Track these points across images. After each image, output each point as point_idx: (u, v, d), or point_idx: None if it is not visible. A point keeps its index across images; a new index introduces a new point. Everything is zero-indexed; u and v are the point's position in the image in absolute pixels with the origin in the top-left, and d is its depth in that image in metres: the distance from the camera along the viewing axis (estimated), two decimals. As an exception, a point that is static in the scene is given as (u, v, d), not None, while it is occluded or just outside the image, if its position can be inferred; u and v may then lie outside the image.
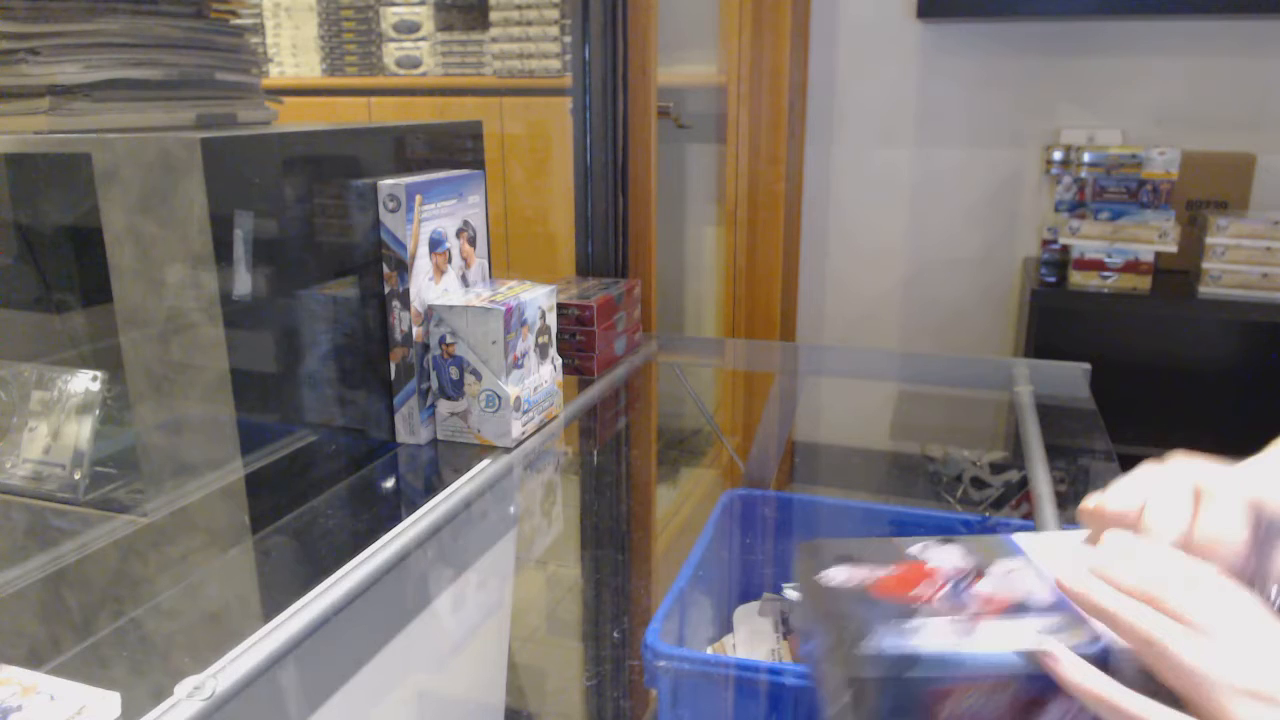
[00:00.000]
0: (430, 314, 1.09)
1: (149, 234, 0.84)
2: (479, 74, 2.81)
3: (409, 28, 2.86)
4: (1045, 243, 2.33)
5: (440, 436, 1.12)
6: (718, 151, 2.71)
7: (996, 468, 1.77)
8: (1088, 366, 1.42)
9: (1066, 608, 0.53)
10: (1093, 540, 0.58)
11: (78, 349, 1.05)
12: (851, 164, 2.64)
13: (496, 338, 1.07)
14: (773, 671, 0.80)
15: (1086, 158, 2.18)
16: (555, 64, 2.68)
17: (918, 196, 2.60)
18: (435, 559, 0.94)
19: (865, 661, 0.51)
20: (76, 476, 0.93)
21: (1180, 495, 0.55)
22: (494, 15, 2.72)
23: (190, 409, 0.88)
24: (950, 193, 2.57)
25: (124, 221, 0.85)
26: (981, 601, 0.55)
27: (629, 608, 1.10)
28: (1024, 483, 1.07)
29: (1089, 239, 2.17)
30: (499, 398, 1.08)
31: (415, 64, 2.88)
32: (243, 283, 0.87)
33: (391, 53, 2.89)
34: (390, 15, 2.87)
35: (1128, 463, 0.64)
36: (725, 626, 1.08)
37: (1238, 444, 0.69)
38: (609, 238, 1.63)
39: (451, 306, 1.08)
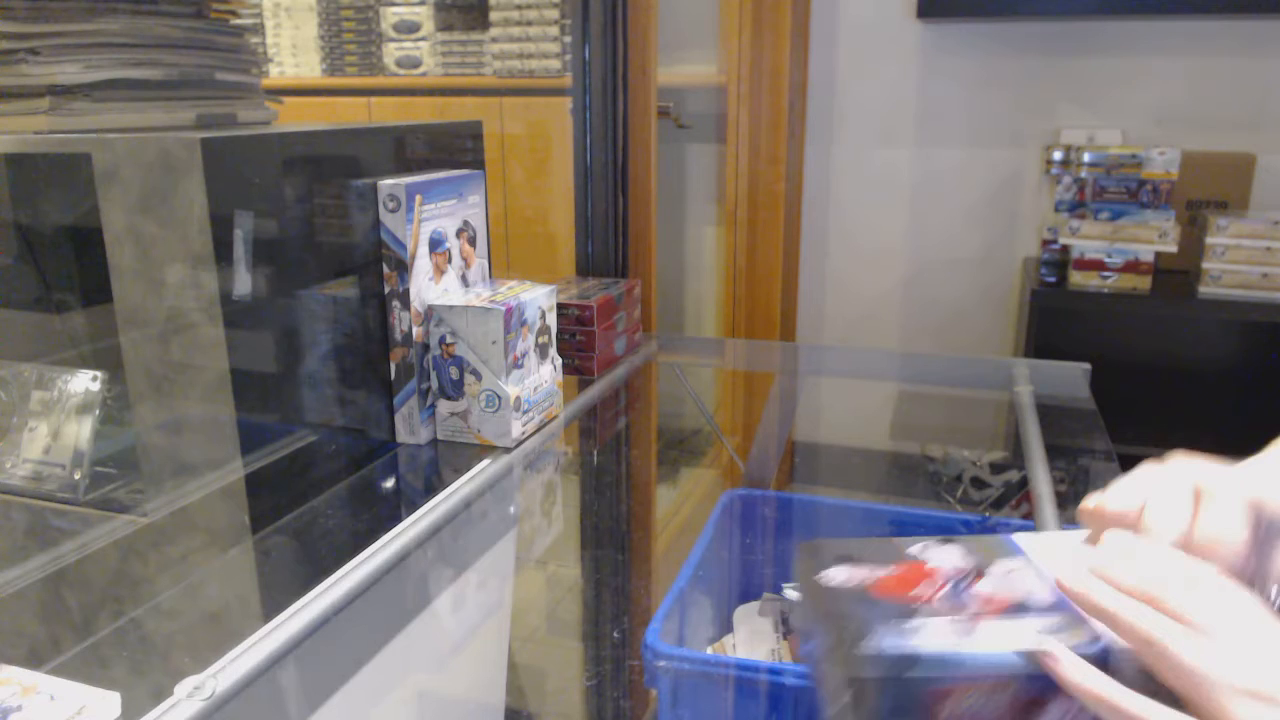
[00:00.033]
0: (430, 314, 1.09)
1: (149, 234, 0.84)
2: (479, 74, 2.81)
3: (409, 28, 2.86)
4: (1045, 243, 2.33)
5: (440, 436, 1.12)
6: (718, 151, 2.71)
7: (996, 468, 1.77)
8: (1088, 366, 1.42)
9: (1066, 608, 0.53)
10: (1093, 540, 0.58)
11: (78, 349, 1.05)
12: (851, 164, 2.64)
13: (496, 338, 1.07)
14: (773, 671, 0.80)
15: (1086, 158, 2.18)
16: (555, 64, 2.68)
17: (918, 196, 2.60)
18: (435, 559, 0.94)
19: (865, 661, 0.51)
20: (76, 476, 0.93)
21: (1180, 495, 0.55)
22: (494, 15, 2.72)
23: (190, 409, 0.88)
24: (950, 193, 2.57)
25: (124, 221, 0.85)
26: (981, 601, 0.55)
27: (629, 608, 1.10)
28: (1024, 483, 1.07)
29: (1089, 239, 2.17)
30: (499, 398, 1.08)
31: (415, 64, 2.88)
32: (243, 283, 0.87)
33: (391, 53, 2.89)
34: (390, 15, 2.87)
35: (1128, 463, 0.64)
36: (725, 626, 1.08)
37: (1238, 444, 0.69)
38: (609, 238, 1.63)
39: (451, 306, 1.08)
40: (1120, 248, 2.16)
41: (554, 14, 2.66)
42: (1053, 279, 2.28)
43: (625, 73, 1.57)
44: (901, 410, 2.32)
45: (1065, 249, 2.26)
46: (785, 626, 1.05)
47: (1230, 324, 2.38)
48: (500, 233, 2.71)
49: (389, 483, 1.08)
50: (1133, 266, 2.16)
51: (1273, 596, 0.54)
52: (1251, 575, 0.54)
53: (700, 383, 1.81)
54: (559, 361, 1.22)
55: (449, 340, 1.08)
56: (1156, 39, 2.33)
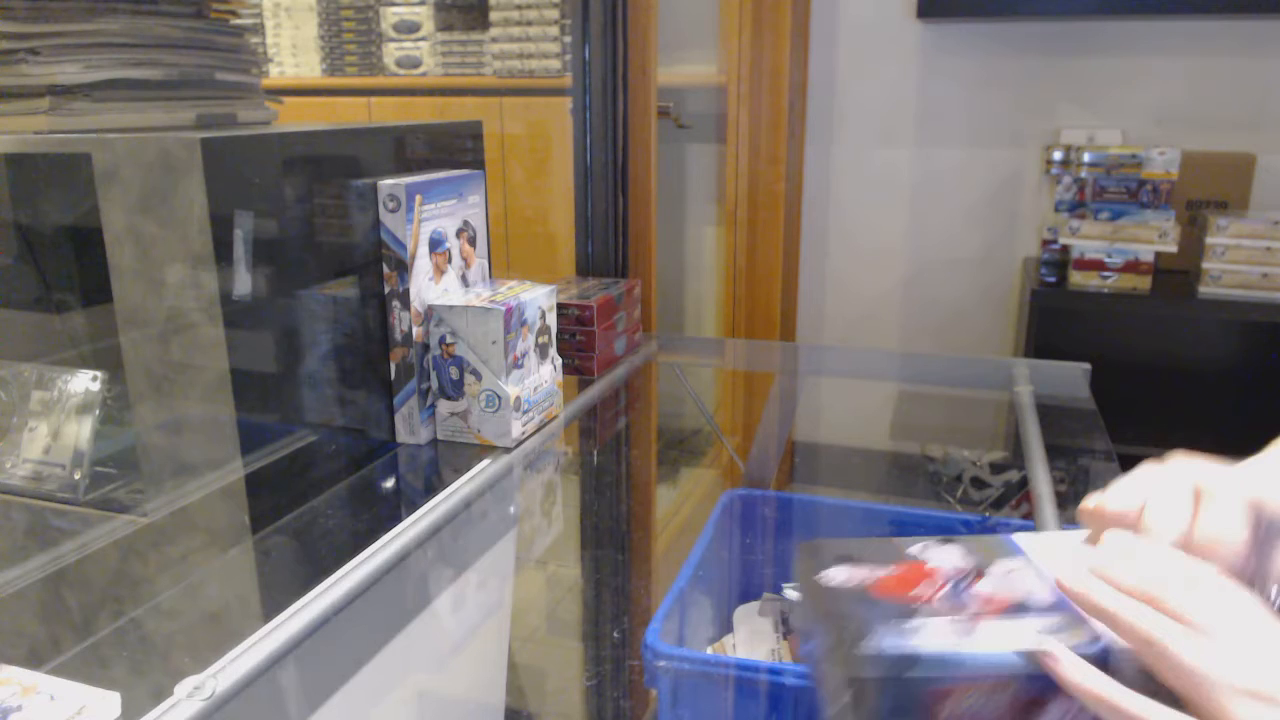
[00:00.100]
0: (430, 314, 1.09)
1: (149, 234, 0.84)
2: (479, 74, 2.81)
3: (409, 28, 2.86)
4: (1045, 243, 2.33)
5: (440, 436, 1.12)
6: (718, 151, 2.71)
7: (996, 468, 1.77)
8: (1088, 366, 1.42)
9: (1066, 608, 0.53)
10: (1093, 540, 0.58)
11: (78, 349, 1.05)
12: (851, 164, 2.64)
13: (496, 338, 1.07)
14: (773, 671, 0.80)
15: (1086, 158, 2.18)
16: (555, 64, 2.68)
17: (918, 196, 2.60)
18: (435, 559, 0.94)
19: (865, 661, 0.51)
20: (76, 476, 0.93)
21: (1180, 495, 0.55)
22: (494, 15, 2.72)
23: (190, 409, 0.88)
24: (950, 193, 2.57)
25: (124, 221, 0.85)
26: (981, 601, 0.55)
27: (629, 608, 1.10)
28: (1024, 483, 1.07)
29: (1089, 239, 2.17)
30: (499, 398, 1.08)
31: (415, 64, 2.88)
32: (243, 283, 0.87)
33: (391, 53, 2.89)
34: (390, 15, 2.87)
35: (1128, 463, 0.64)
36: (725, 626, 1.08)
37: (1238, 444, 0.69)
38: (609, 238, 1.63)
39: (451, 306, 1.08)
40: (1120, 248, 2.16)
41: (554, 14, 2.66)
42: (1053, 279, 2.28)
43: (625, 73, 1.57)
44: (901, 410, 2.32)
45: (1065, 249, 2.26)
46: (785, 626, 1.05)
47: (1230, 324, 2.38)
48: (500, 233, 2.71)
49: (389, 483, 1.08)
50: (1133, 266, 2.16)
51: (1273, 596, 0.54)
52: (1251, 575, 0.54)
53: (700, 383, 1.81)
54: (559, 361, 1.22)
55: (449, 340, 1.08)
56: (1156, 39, 2.33)
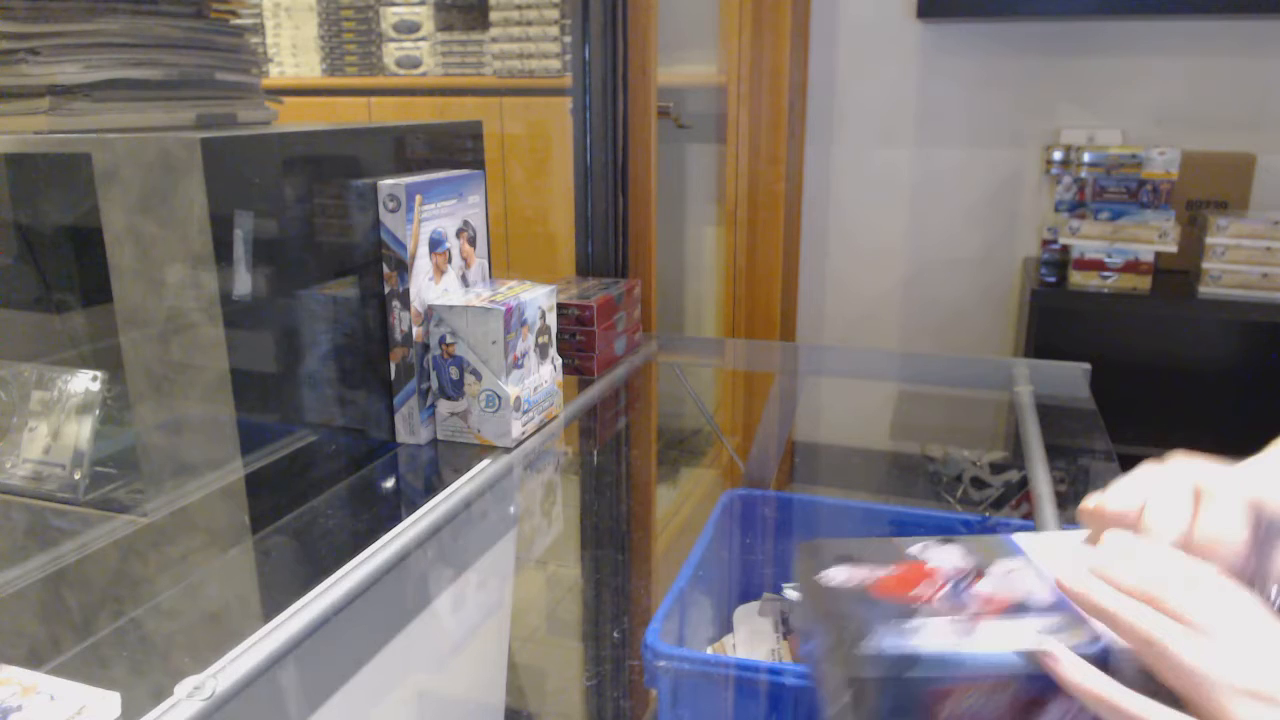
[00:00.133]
0: (430, 314, 1.09)
1: (149, 234, 0.84)
2: (479, 74, 2.81)
3: (409, 28, 2.86)
4: (1045, 243, 2.33)
5: (440, 436, 1.12)
6: (718, 151, 2.71)
7: (996, 468, 1.77)
8: (1088, 366, 1.42)
9: (1066, 608, 0.53)
10: (1093, 540, 0.58)
11: (78, 349, 1.05)
12: (851, 164, 2.64)
13: (496, 338, 1.07)
14: (773, 671, 0.80)
15: (1086, 158, 2.18)
16: (555, 64, 2.68)
17: (918, 196, 2.60)
18: (435, 559, 0.94)
19: (865, 661, 0.51)
20: (76, 476, 0.93)
21: (1180, 495, 0.55)
22: (494, 15, 2.72)
23: (190, 409, 0.88)
24: (950, 193, 2.57)
25: (124, 221, 0.85)
26: (981, 601, 0.55)
27: (629, 608, 1.10)
28: (1024, 483, 1.07)
29: (1089, 239, 2.17)
30: (499, 398, 1.08)
31: (415, 64, 2.88)
32: (243, 283, 0.87)
33: (391, 53, 2.89)
34: (390, 15, 2.87)
35: (1128, 463, 0.64)
36: (725, 626, 1.08)
37: (1238, 444, 0.69)
38: (609, 238, 1.63)
39: (451, 306, 1.08)
40: (1120, 248, 2.16)
41: (554, 14, 2.66)
42: (1053, 279, 2.28)
43: (625, 73, 1.57)
44: (901, 410, 2.32)
45: (1065, 249, 2.26)
46: (785, 626, 1.05)
47: (1230, 324, 2.38)
48: (500, 233, 2.71)
49: (389, 483, 1.08)
50: (1133, 266, 2.16)
51: (1273, 596, 0.54)
52: (1251, 575, 0.54)
53: (700, 383, 1.81)
54: (559, 361, 1.22)
55: (449, 340, 1.08)
56: (1156, 39, 2.33)
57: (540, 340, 1.15)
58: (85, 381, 0.95)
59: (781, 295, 2.54)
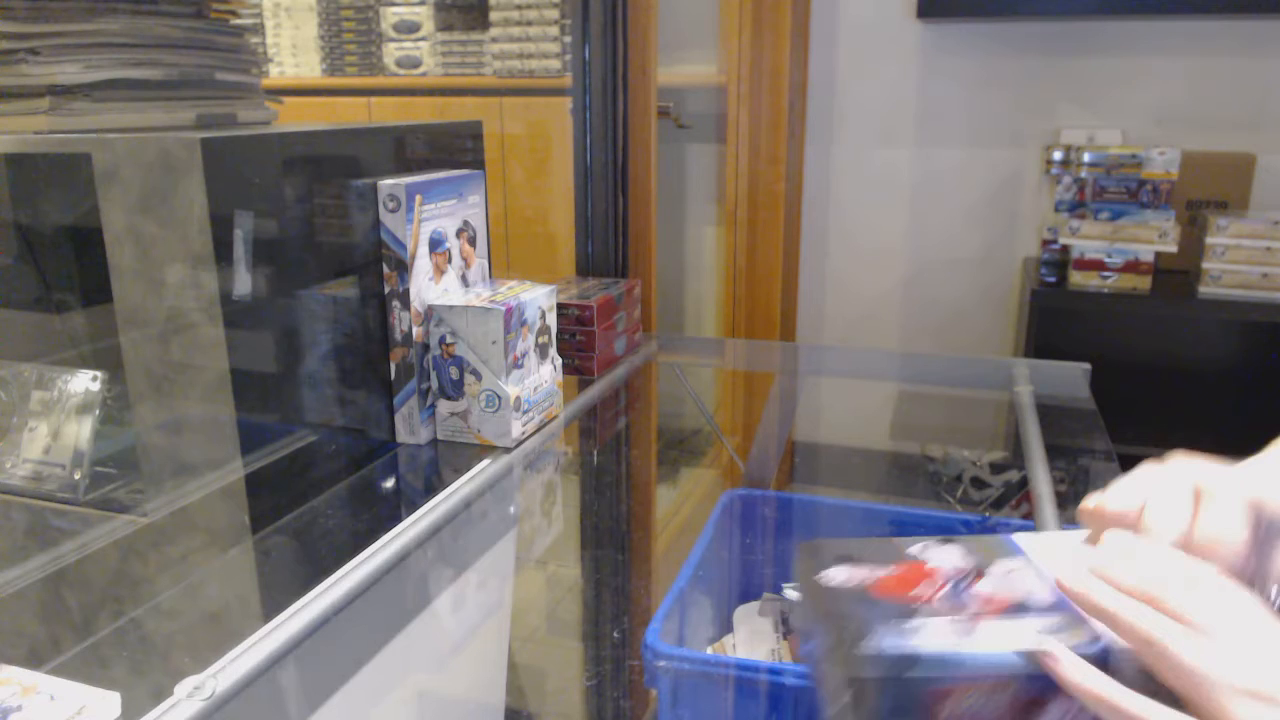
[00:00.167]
0: (430, 314, 1.09)
1: (149, 234, 0.84)
2: (479, 74, 2.81)
3: (409, 28, 2.86)
4: (1045, 243, 2.33)
5: (440, 436, 1.12)
6: (718, 151, 2.71)
7: (996, 468, 1.77)
8: (1088, 366, 1.42)
9: (1066, 608, 0.53)
10: (1093, 540, 0.58)
11: (78, 349, 1.05)
12: (851, 164, 2.64)
13: (496, 338, 1.07)
14: (773, 671, 0.80)
15: (1086, 158, 2.18)
16: (555, 64, 2.68)
17: (918, 196, 2.60)
18: (435, 559, 0.94)
19: (865, 661, 0.51)
20: (76, 476, 0.93)
21: (1180, 495, 0.55)
22: (494, 15, 2.72)
23: (190, 409, 0.88)
24: (950, 193, 2.57)
25: (124, 221, 0.85)
26: (981, 601, 0.55)
27: (629, 608, 1.10)
28: (1024, 483, 1.07)
29: (1089, 239, 2.17)
30: (499, 398, 1.08)
31: (415, 64, 2.88)
32: (243, 283, 0.87)
33: (391, 53, 2.89)
34: (390, 15, 2.87)
35: (1128, 463, 0.64)
36: (725, 626, 1.08)
37: (1238, 444, 0.69)
38: (609, 238, 1.63)
39: (451, 306, 1.08)
40: (1120, 248, 2.16)
41: (554, 14, 2.66)
42: (1053, 279, 2.28)
43: (625, 73, 1.57)
44: (901, 410, 2.32)
45: (1065, 249, 2.26)
46: (785, 626, 1.05)
47: (1230, 324, 2.38)
48: (500, 233, 2.71)
49: (389, 483, 1.08)
50: (1133, 266, 2.16)
51: (1273, 596, 0.54)
52: (1251, 575, 0.54)
53: (700, 383, 1.81)
54: (559, 361, 1.22)
55: (449, 340, 1.08)
56: (1156, 39, 2.33)
57: (540, 340, 1.15)
58: (85, 381, 0.95)
59: (781, 295, 2.54)
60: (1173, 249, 2.13)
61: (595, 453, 1.34)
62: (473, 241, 1.17)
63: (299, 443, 0.96)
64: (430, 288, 1.09)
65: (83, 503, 0.93)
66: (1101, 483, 0.59)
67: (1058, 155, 2.28)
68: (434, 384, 1.11)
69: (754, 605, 1.09)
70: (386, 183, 1.03)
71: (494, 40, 2.73)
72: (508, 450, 1.10)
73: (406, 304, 1.06)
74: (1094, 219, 2.17)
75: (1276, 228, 2.07)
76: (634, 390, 1.49)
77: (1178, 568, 0.51)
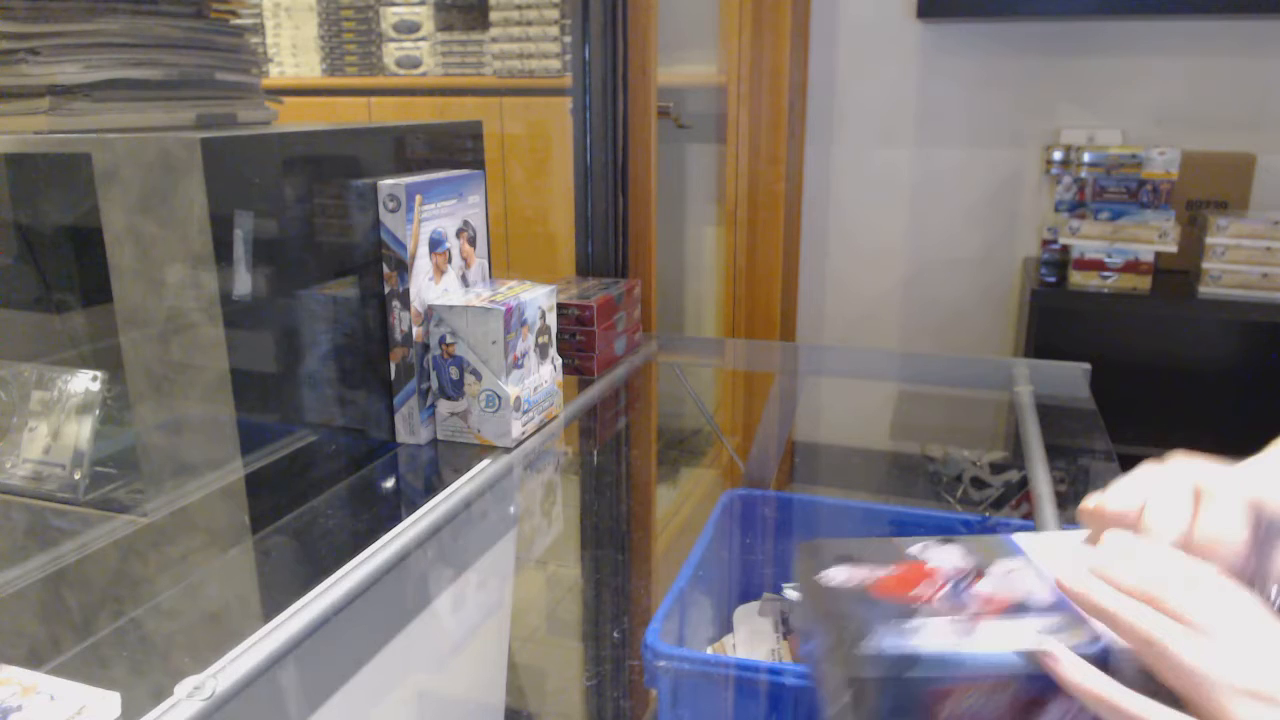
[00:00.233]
0: (430, 314, 1.09)
1: (149, 234, 0.84)
2: (479, 74, 2.81)
3: (409, 28, 2.86)
4: (1045, 243, 2.33)
5: (440, 436, 1.12)
6: (718, 151, 2.71)
7: (996, 468, 1.77)
8: (1088, 366, 1.42)
9: (1066, 608, 0.53)
10: (1093, 540, 0.58)
11: (78, 349, 1.05)
12: (851, 164, 2.64)
13: (496, 338, 1.07)
14: (773, 671, 0.80)
15: (1086, 158, 2.18)
16: (555, 64, 2.68)
17: (918, 196, 2.60)
18: (435, 559, 0.94)
19: (865, 661, 0.51)
20: (76, 476, 0.93)
21: (1180, 495, 0.55)
22: (494, 15, 2.72)
23: (190, 409, 0.88)
24: (950, 193, 2.57)
25: (124, 221, 0.85)
26: (981, 601, 0.55)
27: (629, 608, 1.10)
28: (1024, 483, 1.07)
29: (1089, 239, 2.17)
30: (499, 398, 1.08)
31: (415, 64, 2.88)
32: (243, 283, 0.87)
33: (391, 53, 2.89)
34: (390, 15, 2.87)
35: (1128, 463, 0.63)
36: (725, 626, 1.08)
37: (1238, 444, 0.69)
38: (609, 238, 1.63)
39: (451, 306, 1.08)
40: (1120, 248, 2.16)
41: (554, 14, 2.66)
42: (1053, 279, 2.28)
43: (625, 73, 1.57)
44: (901, 410, 2.32)
45: (1065, 249, 2.26)
46: (785, 626, 1.05)
47: (1230, 324, 2.38)
48: (500, 233, 2.71)
49: (389, 483, 1.08)
50: (1133, 266, 2.16)
51: (1273, 596, 0.54)
52: (1251, 575, 0.54)
53: (700, 383, 1.81)
54: (559, 361, 1.22)
55: (449, 340, 1.08)
56: (1156, 39, 2.33)
57: (540, 340, 1.15)
58: (85, 381, 0.95)
59: (781, 295, 2.54)
60: (1173, 249, 2.13)
61: (595, 453, 1.34)
62: (473, 241, 1.17)
63: (299, 443, 0.96)
64: (430, 288, 1.09)
65: (83, 503, 0.93)
66: (1101, 483, 0.59)
67: (1058, 155, 2.28)
68: (434, 384, 1.11)
69: (754, 605, 1.09)
70: (386, 183, 1.03)
71: (494, 40, 2.73)
72: (508, 450, 1.10)
73: (406, 304, 1.06)
74: (1094, 219, 2.17)
75: (1276, 228, 2.07)
76: (634, 390, 1.49)
77: (1178, 568, 0.51)
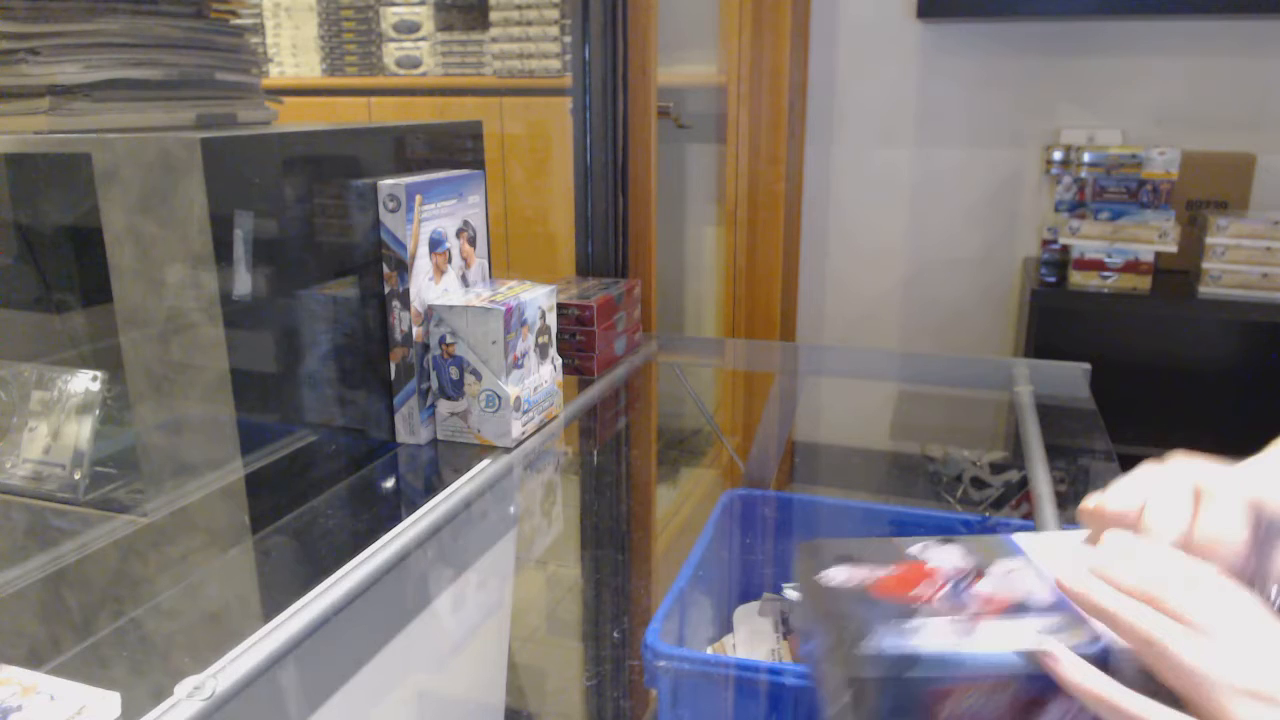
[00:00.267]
0: (430, 314, 1.09)
1: (149, 234, 0.84)
2: (479, 74, 2.81)
3: (409, 28, 2.86)
4: (1045, 243, 2.33)
5: (440, 436, 1.12)
6: (718, 151, 2.71)
7: (996, 468, 1.77)
8: (1088, 366, 1.42)
9: (1066, 608, 0.53)
10: (1093, 540, 0.58)
11: (78, 349, 1.05)
12: (851, 164, 2.64)
13: (496, 338, 1.07)
14: (773, 671, 0.80)
15: (1086, 158, 2.18)
16: (555, 64, 2.68)
17: (918, 196, 2.60)
18: (435, 559, 0.94)
19: (865, 661, 0.51)
20: (76, 476, 0.93)
21: (1180, 495, 0.55)
22: (494, 15, 2.72)
23: (190, 409, 0.88)
24: (950, 193, 2.57)
25: (124, 221, 0.85)
26: (981, 601, 0.55)
27: (629, 608, 1.10)
28: (1024, 483, 1.07)
29: (1089, 239, 2.17)
30: (499, 398, 1.08)
31: (415, 64, 2.88)
32: (243, 283, 0.87)
33: (391, 53, 2.89)
34: (390, 15, 2.87)
35: (1128, 463, 0.63)
36: (725, 626, 1.08)
37: (1238, 444, 0.69)
38: (609, 238, 1.63)
39: (451, 306, 1.08)
40: (1120, 248, 2.16)
41: (554, 14, 2.66)
42: (1053, 279, 2.28)
43: (625, 73, 1.57)
44: (901, 410, 2.32)
45: (1065, 249, 2.26)
46: (785, 626, 1.05)
47: (1230, 324, 2.38)
48: (500, 233, 2.71)
49: (389, 483, 1.08)
50: (1133, 266, 2.16)
51: (1273, 596, 0.54)
52: (1251, 575, 0.54)
53: (700, 383, 1.81)
54: (559, 361, 1.22)
55: (449, 340, 1.08)
56: (1156, 39, 2.33)
57: (540, 340, 1.15)
58: (85, 381, 0.95)
59: (781, 295, 2.54)
60: (1173, 249, 2.13)
61: (595, 453, 1.34)
62: (473, 241, 1.17)
63: (299, 443, 0.96)
64: (430, 288, 1.09)
65: (83, 503, 0.93)
66: (1101, 483, 0.59)
67: (1058, 155, 2.28)
68: (434, 384, 1.11)
69: (754, 605, 1.09)
70: (386, 183, 1.03)
71: (494, 40, 2.73)
72: (508, 450, 1.10)
73: (406, 304, 1.06)
74: (1094, 219, 2.17)
75: (1276, 228, 2.07)
76: (634, 390, 1.49)
77: (1178, 568, 0.51)
